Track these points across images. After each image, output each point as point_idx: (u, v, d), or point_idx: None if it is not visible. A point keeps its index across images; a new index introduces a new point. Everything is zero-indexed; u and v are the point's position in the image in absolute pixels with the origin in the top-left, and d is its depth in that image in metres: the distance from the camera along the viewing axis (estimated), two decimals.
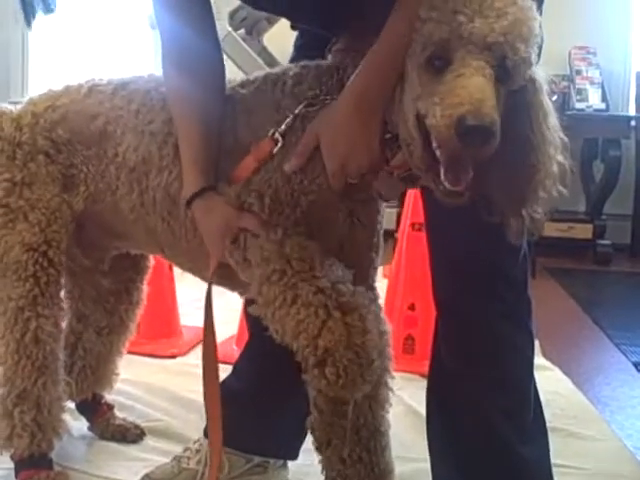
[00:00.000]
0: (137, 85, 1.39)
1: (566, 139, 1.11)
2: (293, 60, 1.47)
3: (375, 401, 1.35)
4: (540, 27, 1.03)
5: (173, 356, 2.41)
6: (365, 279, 1.31)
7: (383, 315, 1.38)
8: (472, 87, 0.95)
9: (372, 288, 1.34)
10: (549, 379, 2.31)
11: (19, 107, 1.48)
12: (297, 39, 1.50)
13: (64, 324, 1.55)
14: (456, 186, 0.99)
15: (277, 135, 1.18)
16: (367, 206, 1.24)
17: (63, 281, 1.49)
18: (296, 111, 1.18)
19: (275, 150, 1.18)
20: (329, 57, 1.22)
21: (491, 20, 0.97)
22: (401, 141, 1.09)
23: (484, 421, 1.27)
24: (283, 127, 1.18)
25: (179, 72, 1.25)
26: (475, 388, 1.27)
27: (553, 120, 1.08)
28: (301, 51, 1.44)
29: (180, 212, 1.29)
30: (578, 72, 4.71)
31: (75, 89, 1.44)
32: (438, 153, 1.00)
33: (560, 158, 1.09)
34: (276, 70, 1.29)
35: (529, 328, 1.31)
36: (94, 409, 1.78)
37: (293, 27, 1.46)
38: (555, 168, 1.08)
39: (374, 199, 1.23)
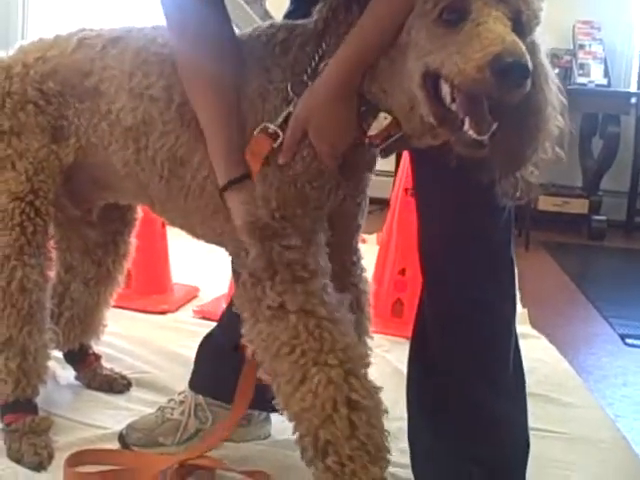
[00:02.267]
0: (127, 42, 1.37)
1: (565, 101, 1.10)
2: (290, 12, 1.46)
3: None
4: None
5: (163, 312, 2.43)
6: (350, 244, 1.35)
7: (365, 275, 1.41)
8: (500, 30, 0.94)
9: (356, 250, 1.38)
10: (535, 347, 2.33)
11: (9, 55, 1.47)
12: None
13: (52, 274, 1.55)
14: (482, 134, 0.97)
15: (272, 129, 1.15)
16: (354, 177, 1.24)
17: (51, 231, 1.50)
18: (289, 109, 1.15)
19: (276, 144, 1.15)
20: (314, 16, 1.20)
21: None
22: (393, 107, 1.08)
23: (460, 380, 1.28)
24: (280, 120, 1.15)
25: (187, 42, 1.23)
26: (451, 348, 1.29)
27: (553, 81, 1.08)
28: (299, 3, 1.44)
29: (186, 174, 1.29)
30: (581, 46, 4.67)
31: (64, 40, 1.43)
32: (454, 106, 0.98)
33: (559, 120, 1.08)
34: (266, 30, 1.26)
35: (510, 290, 1.32)
36: (81, 359, 1.79)
37: None
38: (555, 130, 1.07)
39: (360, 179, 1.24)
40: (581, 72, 4.62)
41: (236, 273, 1.20)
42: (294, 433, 1.10)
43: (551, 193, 4.47)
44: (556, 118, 1.09)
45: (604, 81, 4.61)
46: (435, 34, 1.00)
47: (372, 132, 1.12)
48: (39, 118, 1.41)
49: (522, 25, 1.00)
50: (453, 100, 0.99)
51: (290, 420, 1.10)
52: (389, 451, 1.11)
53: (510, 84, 0.92)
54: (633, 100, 4.60)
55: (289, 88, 1.17)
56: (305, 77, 1.16)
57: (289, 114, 1.16)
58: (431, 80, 1.01)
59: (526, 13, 0.99)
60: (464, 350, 1.28)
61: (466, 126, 0.97)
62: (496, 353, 1.29)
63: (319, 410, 1.05)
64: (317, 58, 1.16)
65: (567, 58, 4.70)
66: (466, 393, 1.28)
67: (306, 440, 1.07)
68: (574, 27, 4.69)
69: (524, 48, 0.93)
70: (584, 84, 4.57)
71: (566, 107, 1.10)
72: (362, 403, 1.07)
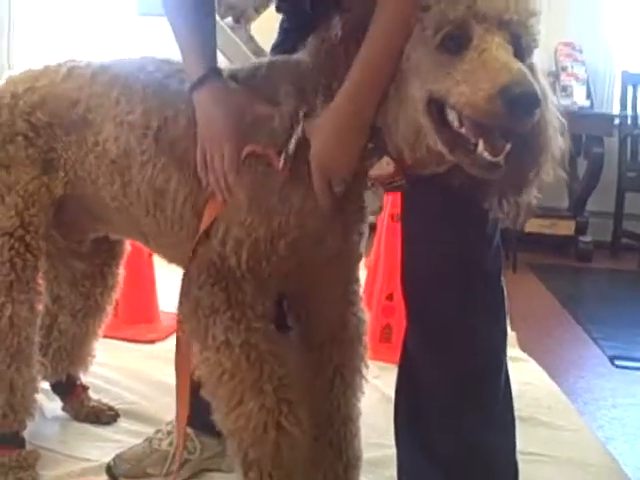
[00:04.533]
0: (117, 69, 1.38)
1: (564, 121, 1.10)
2: (277, 44, 1.47)
3: (350, 388, 1.36)
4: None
5: (152, 341, 2.42)
6: (353, 274, 1.36)
7: (362, 305, 1.41)
8: (505, 59, 0.94)
9: (357, 280, 1.38)
10: (524, 370, 2.34)
11: None
12: (282, 21, 1.50)
13: (41, 307, 1.54)
14: (497, 155, 0.97)
15: (285, 155, 1.14)
16: (353, 216, 1.25)
17: (41, 265, 1.47)
18: (297, 135, 1.14)
19: (281, 164, 1.14)
20: (307, 46, 1.20)
21: None
22: (398, 140, 1.07)
23: (450, 411, 1.28)
24: (292, 148, 1.14)
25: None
26: (442, 379, 1.28)
27: (552, 102, 1.08)
28: (286, 34, 1.45)
29: (167, 204, 1.28)
30: (564, 68, 4.72)
31: (54, 70, 1.43)
32: (464, 129, 0.98)
33: (560, 140, 1.08)
34: (263, 66, 1.27)
35: (501, 320, 1.31)
36: (68, 390, 1.78)
37: (278, 9, 1.46)
38: (556, 151, 1.08)
39: (360, 209, 1.25)
40: (564, 94, 4.66)
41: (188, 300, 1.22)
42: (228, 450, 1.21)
43: (538, 215, 4.48)
44: (557, 139, 1.08)
45: (587, 103, 4.65)
46: (438, 61, 1.00)
47: (374, 172, 1.13)
48: (29, 150, 1.39)
49: (522, 49, 1.01)
50: (461, 124, 0.99)
51: (224, 434, 1.19)
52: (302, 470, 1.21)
53: (521, 114, 0.93)
54: (616, 121, 4.65)
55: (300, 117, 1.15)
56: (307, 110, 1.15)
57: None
58: (436, 106, 1.01)
59: (525, 37, 1.01)
60: (452, 380, 1.27)
61: (480, 149, 0.97)
62: (485, 383, 1.29)
63: (251, 431, 1.14)
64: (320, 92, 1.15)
65: (550, 80, 4.75)
66: (454, 423, 1.27)
67: (236, 455, 1.17)
68: (556, 49, 4.75)
69: (530, 76, 0.93)
70: (567, 105, 4.61)
71: (565, 127, 1.10)
72: (290, 429, 1.15)
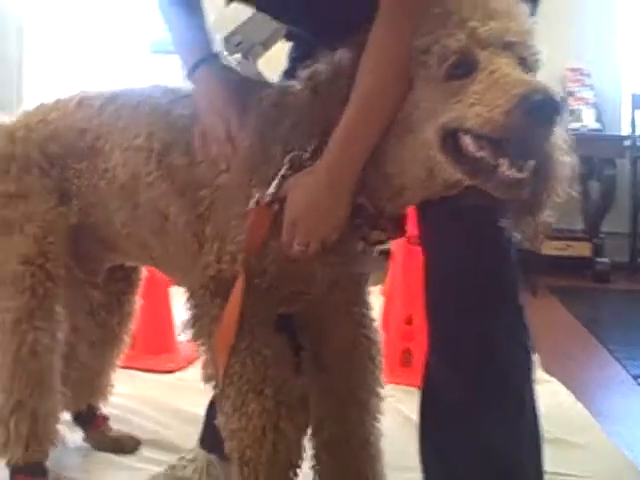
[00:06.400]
0: (126, 98, 1.40)
1: (570, 137, 1.09)
2: (286, 72, 1.49)
3: (365, 411, 1.35)
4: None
5: (171, 371, 2.41)
6: (360, 295, 1.36)
7: (375, 325, 1.40)
8: (517, 74, 0.94)
9: (365, 302, 1.38)
10: (549, 392, 2.30)
11: (12, 120, 1.49)
12: (291, 51, 1.52)
13: (61, 335, 1.53)
14: (523, 171, 0.95)
15: (267, 199, 1.13)
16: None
17: (61, 293, 1.48)
18: (280, 174, 1.13)
19: (275, 210, 1.14)
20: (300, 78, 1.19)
21: (504, 21, 0.98)
22: (406, 183, 1.08)
23: (475, 427, 1.25)
24: (272, 190, 1.13)
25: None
26: (465, 397, 1.26)
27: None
28: (295, 62, 1.46)
29: (170, 228, 1.30)
30: (571, 93, 4.73)
31: (65, 102, 1.46)
32: (481, 153, 0.96)
33: (567, 159, 1.07)
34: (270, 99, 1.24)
35: (522, 336, 1.29)
36: (89, 420, 1.77)
37: (288, 37, 1.48)
38: (565, 172, 1.06)
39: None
40: (571, 118, 4.66)
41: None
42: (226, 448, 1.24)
43: (553, 237, 4.47)
44: (564, 160, 1.07)
45: (597, 125, 4.66)
46: (447, 91, 0.98)
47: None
48: (45, 181, 1.42)
49: (529, 66, 1.01)
50: (479, 147, 0.97)
51: (225, 439, 1.22)
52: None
53: (543, 121, 0.92)
54: (627, 143, 4.65)
55: (285, 160, 1.13)
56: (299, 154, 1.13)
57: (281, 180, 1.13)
58: (451, 140, 0.99)
59: (529, 58, 1.01)
60: (477, 398, 1.25)
61: (504, 167, 0.95)
62: (509, 398, 1.26)
63: (250, 432, 1.17)
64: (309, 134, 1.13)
65: None
66: (482, 440, 1.25)
67: (233, 452, 1.21)
68: (563, 75, 4.77)
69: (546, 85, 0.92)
70: (577, 129, 4.61)
71: (572, 143, 1.09)
72: (287, 432, 1.18)
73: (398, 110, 1.04)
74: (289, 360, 1.24)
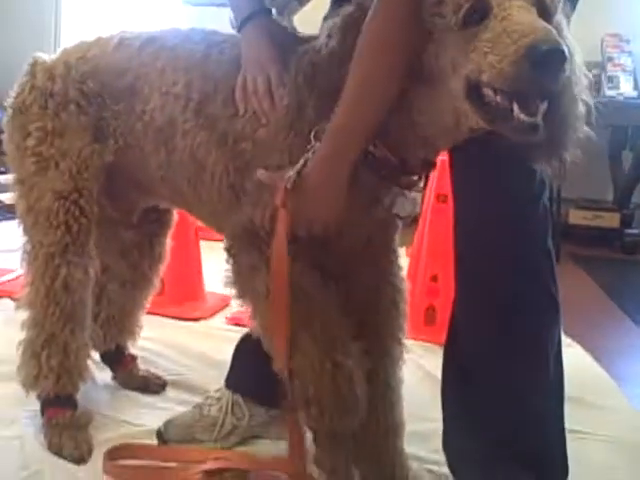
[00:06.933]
0: (164, 40, 1.40)
1: (590, 76, 1.10)
2: (325, 18, 1.48)
3: (387, 355, 1.36)
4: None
5: (197, 319, 2.44)
6: (388, 243, 1.37)
7: (401, 273, 1.41)
8: (528, 19, 0.93)
9: (394, 250, 1.39)
10: (571, 355, 2.27)
11: (53, 57, 1.50)
12: None
13: (93, 271, 1.56)
14: (533, 115, 0.96)
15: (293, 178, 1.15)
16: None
17: (94, 229, 1.50)
18: (308, 155, 1.15)
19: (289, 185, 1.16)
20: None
21: None
22: (435, 133, 1.10)
23: (499, 374, 1.27)
24: (299, 166, 1.15)
25: None
26: (492, 346, 1.28)
27: (578, 59, 1.07)
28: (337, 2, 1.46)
29: (206, 177, 1.31)
30: (610, 59, 4.65)
31: (105, 41, 1.47)
32: (499, 98, 0.97)
33: (585, 96, 1.07)
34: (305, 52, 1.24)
35: (548, 282, 1.30)
36: (118, 359, 1.81)
37: None
38: (582, 108, 1.07)
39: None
40: (610, 85, 4.58)
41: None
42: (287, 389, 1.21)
43: (582, 206, 4.42)
44: (582, 95, 1.07)
45: (634, 93, 4.57)
46: (464, 38, 0.99)
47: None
48: (81, 118, 1.43)
49: (547, 6, 0.99)
50: (496, 93, 0.97)
51: (282, 375, 1.19)
52: (363, 405, 1.21)
53: (551, 71, 0.92)
54: None
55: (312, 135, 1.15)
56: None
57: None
58: (475, 89, 1.00)
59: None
60: (502, 350, 1.27)
61: (516, 111, 0.96)
62: (535, 349, 1.28)
63: (309, 369, 1.16)
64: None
65: (595, 72, 4.67)
66: (506, 392, 1.27)
67: (298, 396, 1.18)
68: (602, 40, 4.68)
69: (555, 32, 0.92)
70: (613, 96, 4.53)
71: (592, 82, 1.10)
72: (344, 363, 1.17)
73: (423, 65, 1.05)
74: (331, 297, 1.24)
